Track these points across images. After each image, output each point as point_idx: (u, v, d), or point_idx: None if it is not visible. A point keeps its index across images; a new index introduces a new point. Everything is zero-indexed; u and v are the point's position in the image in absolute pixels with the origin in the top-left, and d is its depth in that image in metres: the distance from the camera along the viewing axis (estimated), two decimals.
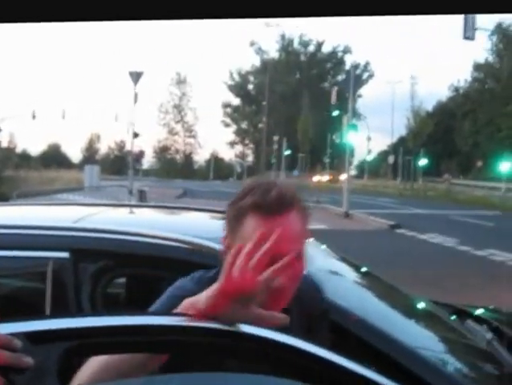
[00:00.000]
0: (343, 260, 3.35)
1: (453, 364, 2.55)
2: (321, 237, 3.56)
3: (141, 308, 2.68)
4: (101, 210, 3.55)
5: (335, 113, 49.95)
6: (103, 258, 2.51)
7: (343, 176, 36.37)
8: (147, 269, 2.56)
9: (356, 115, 60.37)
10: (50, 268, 2.40)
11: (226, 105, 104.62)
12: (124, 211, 3.78)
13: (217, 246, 2.29)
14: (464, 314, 3.42)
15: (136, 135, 32.68)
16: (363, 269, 3.33)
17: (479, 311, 3.61)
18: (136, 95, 30.18)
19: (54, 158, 78.93)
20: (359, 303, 2.69)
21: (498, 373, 2.64)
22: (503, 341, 2.94)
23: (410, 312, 3.19)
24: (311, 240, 3.23)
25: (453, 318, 3.28)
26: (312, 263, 2.72)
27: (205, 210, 3.74)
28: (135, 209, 3.93)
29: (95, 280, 2.46)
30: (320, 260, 3.03)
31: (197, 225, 3.30)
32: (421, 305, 3.32)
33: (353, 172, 46.68)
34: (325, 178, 53.45)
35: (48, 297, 2.37)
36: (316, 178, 50.57)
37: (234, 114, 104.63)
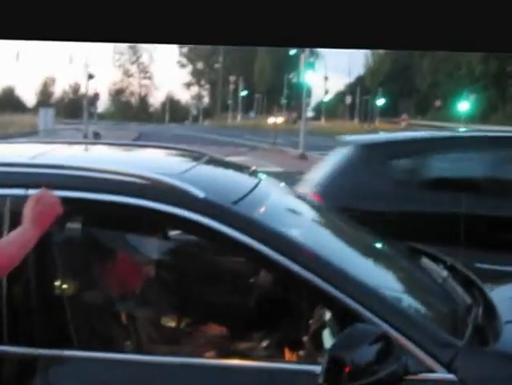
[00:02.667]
0: (302, 198, 3.41)
1: (409, 302, 2.62)
2: (276, 179, 3.59)
3: (97, 243, 2.87)
4: (57, 147, 3.49)
5: (292, 52, 49.48)
6: (63, 195, 2.42)
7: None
8: (104, 205, 2.47)
9: (314, 54, 59.97)
10: (7, 205, 2.40)
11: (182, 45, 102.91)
12: (80, 148, 3.69)
13: (172, 181, 2.43)
14: (419, 252, 3.53)
15: (90, 76, 32.30)
16: (321, 207, 3.40)
17: (436, 250, 3.67)
18: None
19: (8, 102, 77.45)
20: (316, 240, 2.73)
21: (453, 310, 2.72)
22: (458, 279, 3.07)
23: (367, 250, 3.21)
24: (270, 178, 3.38)
25: (410, 256, 3.39)
26: (270, 200, 2.88)
27: (160, 147, 3.68)
28: (90, 146, 3.88)
29: None
30: (278, 197, 3.10)
31: (153, 161, 3.27)
32: (378, 243, 3.35)
33: (310, 114, 46.56)
34: (280, 120, 53.34)
35: (5, 234, 2.33)
36: (271, 120, 50.30)
37: (190, 54, 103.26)
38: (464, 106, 45.74)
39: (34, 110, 60.02)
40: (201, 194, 2.40)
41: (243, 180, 3.10)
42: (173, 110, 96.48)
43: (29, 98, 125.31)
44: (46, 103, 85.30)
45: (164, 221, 2.53)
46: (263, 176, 3.20)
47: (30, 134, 34.18)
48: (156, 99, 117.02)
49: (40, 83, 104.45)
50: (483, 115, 52.63)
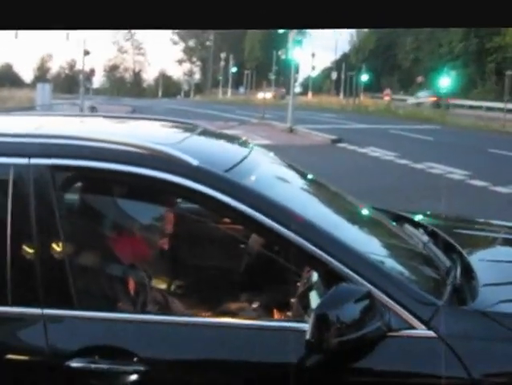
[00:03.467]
0: (291, 167, 3.47)
1: (392, 264, 2.73)
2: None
3: (96, 209, 2.97)
4: (57, 119, 3.60)
5: (281, 30, 49.47)
6: (63, 163, 2.54)
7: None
8: (102, 173, 2.56)
9: (301, 31, 59.78)
10: (11, 174, 2.49)
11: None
12: (78, 120, 3.74)
13: (168, 150, 2.53)
14: (402, 219, 3.62)
15: (86, 52, 32.19)
16: (310, 176, 3.45)
17: (418, 217, 3.82)
18: None
19: (6, 78, 77.01)
20: (305, 207, 2.81)
21: (433, 272, 2.83)
22: (439, 244, 3.15)
23: (353, 217, 3.31)
24: (261, 148, 3.46)
25: (393, 223, 3.45)
26: (261, 168, 2.97)
27: (155, 119, 3.73)
28: (88, 119, 3.92)
29: (54, 185, 2.50)
30: (268, 166, 3.20)
31: (149, 132, 3.34)
32: (363, 210, 3.45)
33: (298, 89, 46.66)
34: (269, 95, 53.47)
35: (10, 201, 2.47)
36: (261, 95, 50.34)
37: (182, 32, 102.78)
38: (445, 82, 45.93)
39: (32, 85, 59.79)
40: (194, 162, 2.50)
41: (235, 150, 3.19)
42: (166, 85, 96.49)
43: (26, 73, 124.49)
44: (44, 78, 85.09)
45: (160, 188, 2.62)
46: (254, 147, 3.31)
47: (28, 108, 34.05)
48: (150, 75, 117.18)
49: (37, 59, 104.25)
50: (463, 90, 52.95)
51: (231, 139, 3.54)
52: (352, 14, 1.27)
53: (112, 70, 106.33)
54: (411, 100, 54.41)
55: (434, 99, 49.69)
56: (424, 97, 53.64)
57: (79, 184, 2.68)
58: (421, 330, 2.30)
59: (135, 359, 2.32)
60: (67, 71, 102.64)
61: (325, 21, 1.25)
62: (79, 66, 51.64)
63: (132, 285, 2.80)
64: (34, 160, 2.51)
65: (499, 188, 12.83)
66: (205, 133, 3.38)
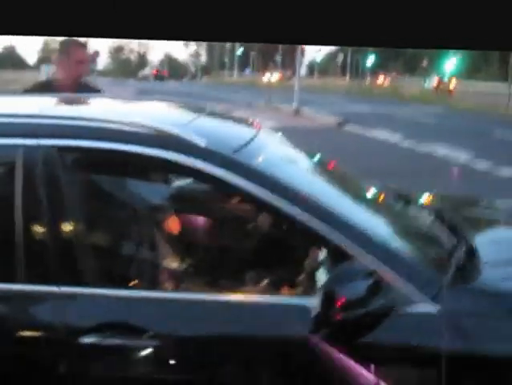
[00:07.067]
0: (298, 148, 3.46)
1: (397, 242, 2.74)
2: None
3: (106, 189, 2.99)
4: (65, 100, 3.63)
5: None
6: (72, 144, 2.59)
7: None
8: (112, 153, 2.59)
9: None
10: (20, 155, 2.52)
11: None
12: (86, 101, 3.75)
13: (177, 131, 2.57)
14: (407, 199, 3.64)
15: None
16: (317, 158, 3.47)
17: (423, 197, 3.82)
18: None
19: (9, 60, 76.97)
20: (312, 187, 2.85)
21: (438, 250, 2.89)
22: (443, 224, 3.20)
23: (360, 196, 3.33)
24: (268, 129, 3.49)
25: (398, 203, 3.51)
26: (268, 149, 3.00)
27: (164, 100, 3.78)
28: (96, 100, 3.91)
29: (64, 165, 2.54)
30: (275, 147, 3.23)
31: (158, 113, 3.35)
32: (370, 190, 3.45)
33: (304, 71, 46.61)
34: (275, 77, 53.30)
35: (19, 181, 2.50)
36: (267, 77, 50.20)
37: None
38: (449, 65, 45.77)
39: (36, 67, 59.79)
40: (203, 143, 2.55)
41: (243, 131, 3.23)
42: (172, 68, 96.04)
43: (30, 56, 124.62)
44: (48, 60, 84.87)
45: (169, 168, 2.66)
46: (261, 128, 3.35)
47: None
48: (155, 57, 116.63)
49: (41, 41, 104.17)
50: (467, 74, 52.89)
51: (239, 120, 3.58)
52: (351, 32, 1.29)
53: (117, 51, 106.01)
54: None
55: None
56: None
57: (87, 164, 2.71)
58: (426, 307, 2.35)
59: (147, 335, 2.37)
60: None
61: (323, 38, 1.27)
62: None
63: (142, 263, 2.85)
64: (43, 141, 2.55)
65: (503, 170, 12.84)
66: (213, 114, 3.42)
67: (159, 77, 76.58)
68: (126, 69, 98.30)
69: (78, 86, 4.16)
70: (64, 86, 4.24)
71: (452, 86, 44.58)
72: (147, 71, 78.58)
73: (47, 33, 1.43)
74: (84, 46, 4.31)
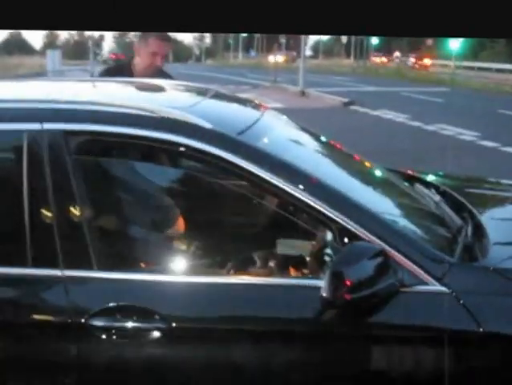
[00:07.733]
0: (304, 129, 3.47)
1: (404, 223, 2.77)
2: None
3: (113, 172, 2.99)
4: (69, 84, 3.64)
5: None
6: (76, 128, 2.57)
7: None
8: (118, 137, 2.59)
9: None
10: (25, 139, 2.51)
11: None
12: (91, 85, 3.76)
13: (182, 114, 2.57)
14: (414, 179, 3.66)
15: None
16: (322, 138, 3.47)
17: (430, 177, 3.85)
18: None
19: (16, 45, 77.14)
20: (318, 168, 2.83)
21: (445, 230, 2.89)
22: (450, 203, 3.21)
23: (366, 177, 3.34)
24: (273, 111, 3.48)
25: (405, 183, 3.50)
26: (273, 131, 3.00)
27: (169, 83, 3.74)
28: (101, 84, 3.87)
29: (68, 149, 2.52)
30: (280, 128, 3.22)
31: (162, 96, 3.39)
32: (376, 171, 3.46)
33: (308, 52, 46.50)
34: (280, 58, 53.15)
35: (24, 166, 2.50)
36: (272, 58, 50.06)
37: None
38: (454, 44, 45.50)
39: (42, 52, 59.87)
40: (208, 125, 2.54)
41: (247, 113, 3.23)
42: (177, 50, 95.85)
43: (36, 41, 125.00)
44: (53, 45, 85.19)
45: (174, 151, 2.65)
46: (266, 109, 3.33)
47: (39, 74, 34.10)
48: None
49: None
50: (472, 52, 52.66)
51: (243, 102, 3.56)
52: (350, 21, 1.28)
53: (122, 35, 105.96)
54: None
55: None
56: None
57: (95, 148, 2.71)
58: (434, 286, 2.35)
59: (156, 317, 2.37)
60: (76, 38, 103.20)
61: (323, 27, 1.26)
62: (88, 33, 51.81)
63: (149, 245, 2.85)
64: (47, 125, 2.54)
65: (509, 149, 12.83)
66: (218, 96, 3.41)
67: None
68: (131, 52, 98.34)
69: (152, 73, 4.24)
70: (139, 71, 4.40)
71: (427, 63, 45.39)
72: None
73: (47, 27, 1.42)
74: (164, 39, 4.37)
